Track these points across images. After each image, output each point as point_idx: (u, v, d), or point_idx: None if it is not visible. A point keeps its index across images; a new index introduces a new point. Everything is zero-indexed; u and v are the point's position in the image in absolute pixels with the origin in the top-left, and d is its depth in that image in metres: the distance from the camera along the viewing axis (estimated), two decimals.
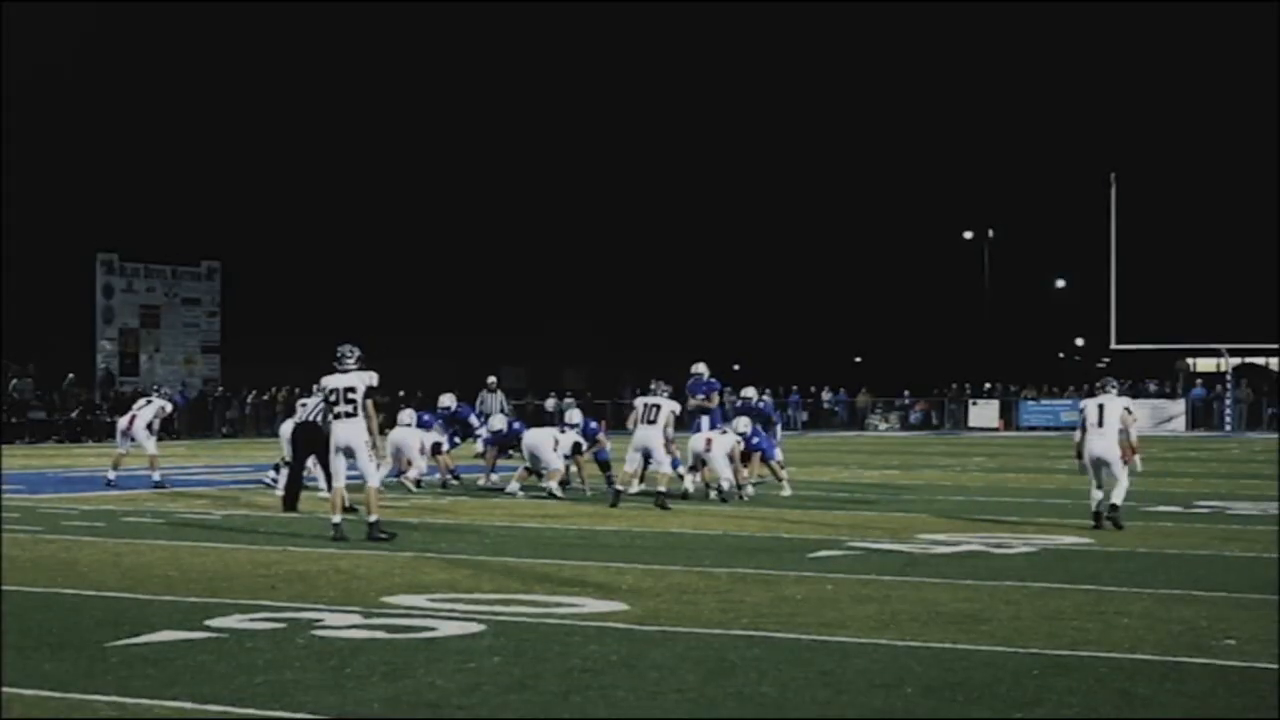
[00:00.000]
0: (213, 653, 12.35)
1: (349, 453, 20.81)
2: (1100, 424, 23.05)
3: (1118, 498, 22.57)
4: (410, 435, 30.86)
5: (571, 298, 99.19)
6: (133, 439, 32.07)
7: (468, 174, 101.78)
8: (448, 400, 34.51)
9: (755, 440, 29.37)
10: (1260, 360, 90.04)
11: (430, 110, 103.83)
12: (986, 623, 14.01)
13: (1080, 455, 23.19)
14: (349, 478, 21.88)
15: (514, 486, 29.31)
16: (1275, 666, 11.93)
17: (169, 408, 36.14)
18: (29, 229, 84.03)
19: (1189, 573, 17.70)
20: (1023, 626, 13.78)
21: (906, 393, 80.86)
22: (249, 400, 68.32)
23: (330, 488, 21.81)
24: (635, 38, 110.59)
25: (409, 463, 31.22)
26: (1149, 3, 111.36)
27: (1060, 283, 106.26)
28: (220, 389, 72.65)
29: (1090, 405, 23.67)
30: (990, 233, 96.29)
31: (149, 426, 33.29)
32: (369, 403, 20.86)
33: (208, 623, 13.69)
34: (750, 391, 33.21)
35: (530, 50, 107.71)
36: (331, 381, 21.14)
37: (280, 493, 26.46)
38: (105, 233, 76.76)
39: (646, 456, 27.68)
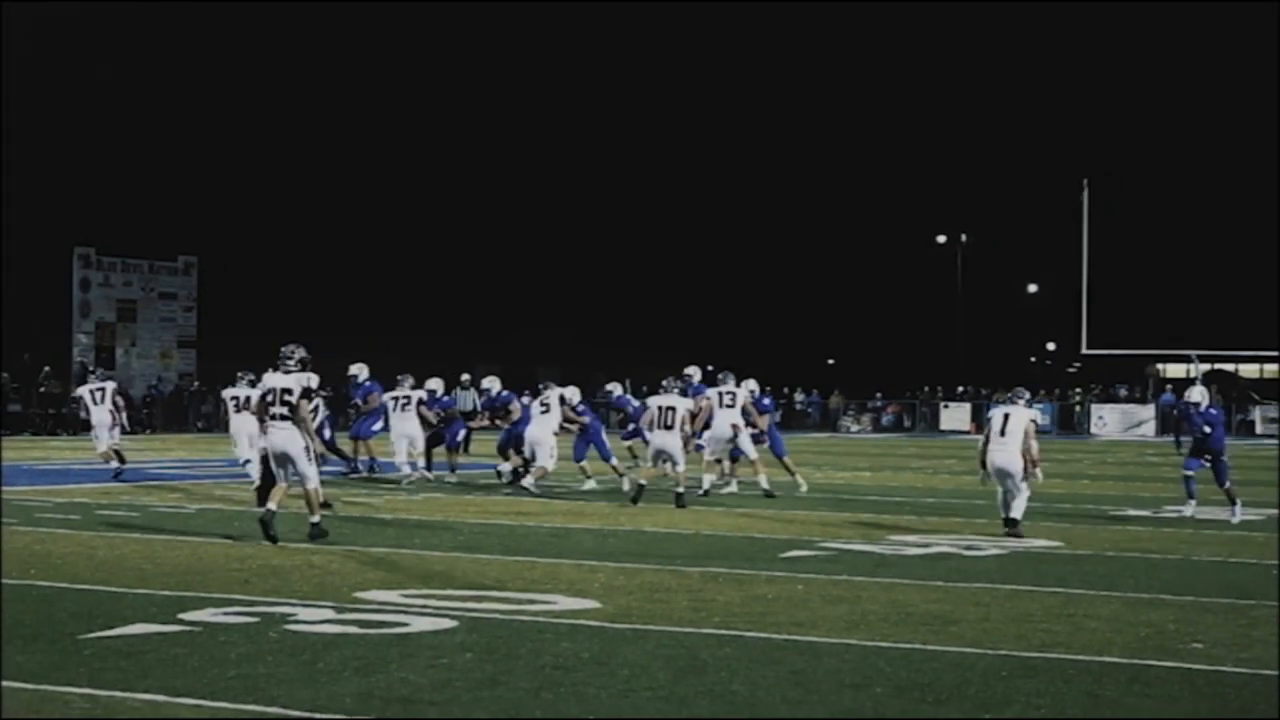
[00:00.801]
0: (186, 646, 12.34)
1: (284, 459, 20.00)
2: (1003, 434, 22.41)
3: (1017, 511, 22.21)
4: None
5: (548, 299, 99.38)
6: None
7: (444, 177, 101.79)
8: (435, 384, 34.49)
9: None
10: (1229, 366, 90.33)
11: (408, 112, 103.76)
12: (956, 624, 14.04)
13: (983, 465, 22.95)
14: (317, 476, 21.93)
15: (505, 467, 30.71)
16: (1241, 670, 11.97)
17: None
18: (5, 222, 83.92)
19: (1157, 576, 17.74)
20: (992, 628, 13.80)
21: (879, 395, 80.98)
22: (225, 395, 68.20)
23: (262, 487, 20.99)
24: (610, 48, 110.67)
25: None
26: (1119, 11, 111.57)
27: (1032, 287, 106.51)
28: (196, 384, 72.53)
29: (996, 414, 23.04)
30: (963, 237, 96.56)
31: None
32: (303, 404, 20.06)
33: (181, 616, 13.68)
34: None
35: (507, 56, 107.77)
36: (270, 381, 20.50)
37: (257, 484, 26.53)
38: (82, 227, 76.55)
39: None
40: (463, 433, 36.39)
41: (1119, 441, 67.69)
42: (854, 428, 77.14)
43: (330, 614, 14.02)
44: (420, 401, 33.62)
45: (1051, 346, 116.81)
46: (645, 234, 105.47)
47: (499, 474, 31.61)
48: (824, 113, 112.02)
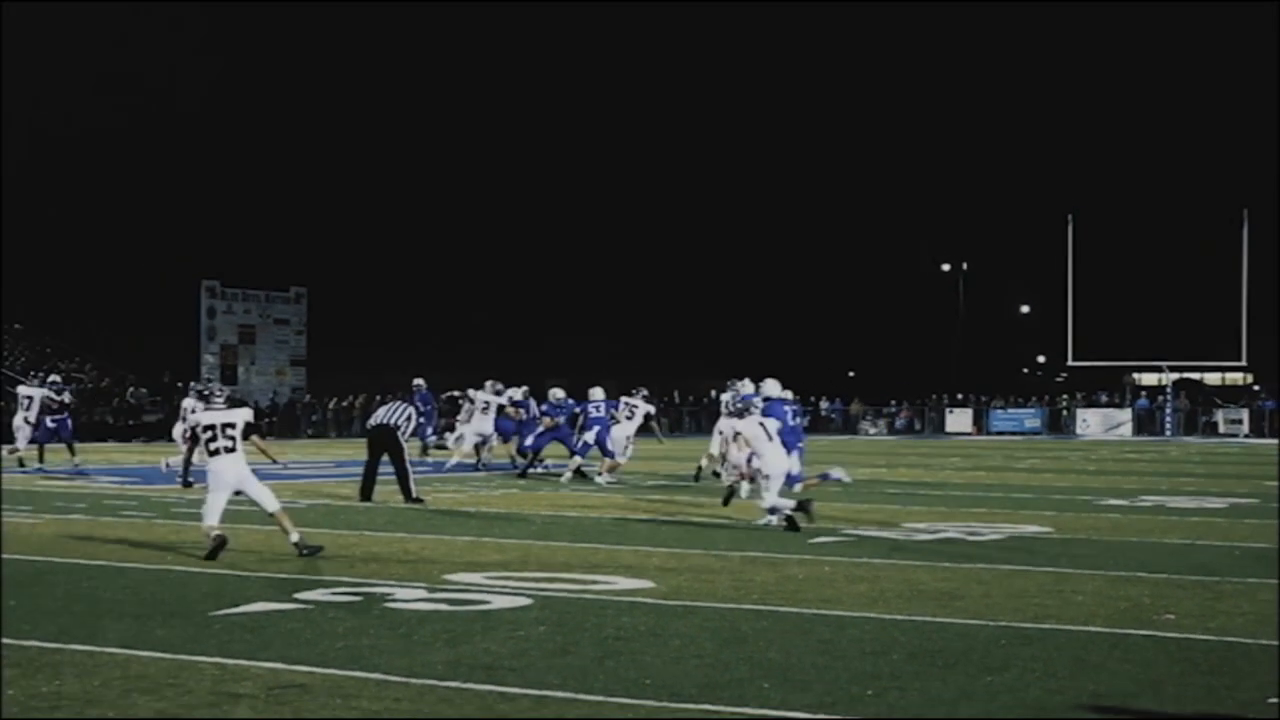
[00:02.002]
0: (300, 621, 12.38)
1: (239, 490, 17.99)
2: (770, 440, 21.99)
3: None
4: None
5: (594, 314, 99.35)
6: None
7: (512, 217, 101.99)
8: (559, 393, 34.36)
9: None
10: (1196, 375, 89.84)
11: (479, 156, 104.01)
12: (961, 599, 13.99)
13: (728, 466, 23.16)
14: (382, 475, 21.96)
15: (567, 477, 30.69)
16: (1208, 638, 11.92)
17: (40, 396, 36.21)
18: (144, 259, 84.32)
19: (1134, 557, 17.66)
20: (992, 603, 13.76)
21: (893, 401, 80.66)
22: (330, 406, 68.29)
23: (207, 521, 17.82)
24: (629, 75, 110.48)
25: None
26: (1096, 74, 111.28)
27: (1024, 308, 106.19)
28: (306, 396, 72.77)
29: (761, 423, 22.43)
30: (965, 265, 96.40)
31: (26, 420, 33.18)
32: (255, 436, 18.37)
33: (296, 596, 13.73)
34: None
35: (550, 108, 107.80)
36: (208, 418, 18.21)
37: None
38: (209, 262, 77.13)
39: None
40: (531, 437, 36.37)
41: (1101, 441, 67.35)
42: (871, 430, 76.84)
43: (423, 593, 14.05)
44: (501, 406, 33.72)
45: (1041, 359, 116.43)
46: (691, 267, 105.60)
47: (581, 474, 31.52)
48: (849, 159, 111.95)
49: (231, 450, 17.82)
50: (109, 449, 49.07)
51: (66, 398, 33.25)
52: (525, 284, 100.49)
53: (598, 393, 32.27)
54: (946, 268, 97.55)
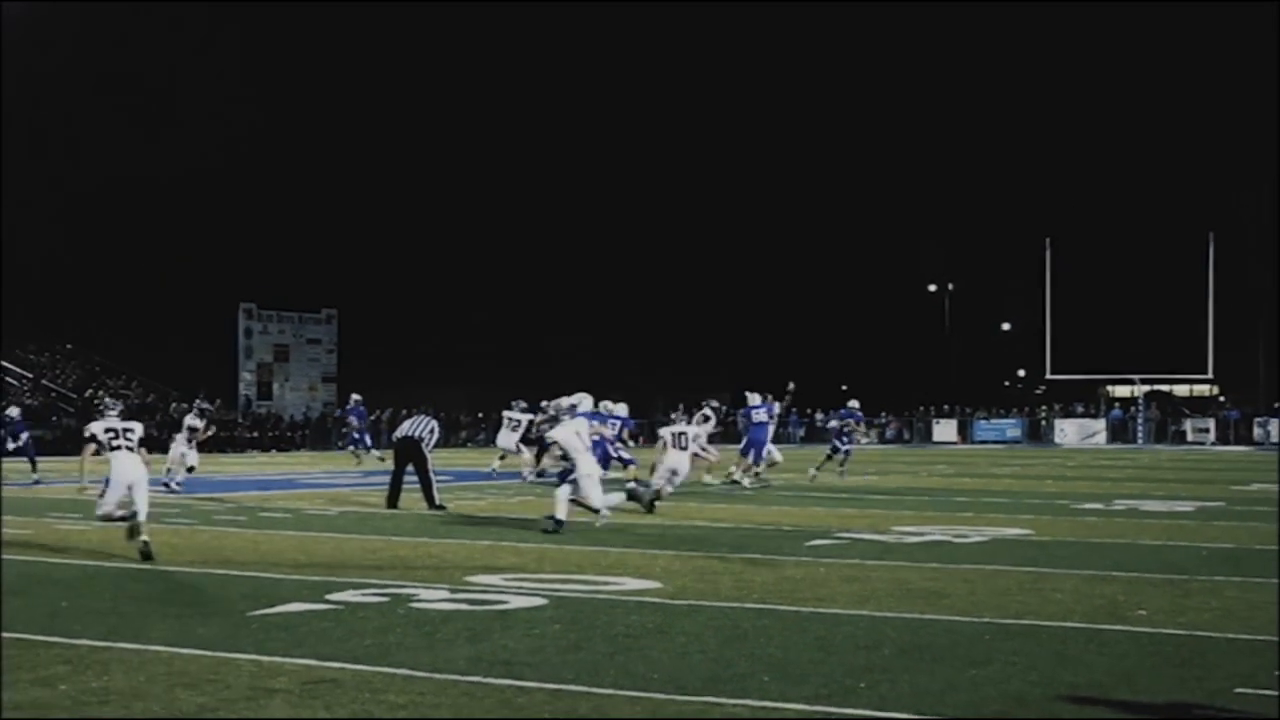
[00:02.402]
0: (331, 620, 12.39)
1: (132, 486, 18.08)
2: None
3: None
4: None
5: (608, 333, 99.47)
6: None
7: (513, 241, 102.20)
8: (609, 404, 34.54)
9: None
10: (1165, 387, 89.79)
11: (495, 189, 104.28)
12: (947, 597, 13.99)
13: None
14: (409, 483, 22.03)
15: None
16: (1178, 632, 11.91)
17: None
18: (187, 284, 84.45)
19: (1109, 557, 17.65)
20: (976, 600, 13.76)
21: (883, 413, 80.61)
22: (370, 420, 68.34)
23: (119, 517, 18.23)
24: (635, 100, 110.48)
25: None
26: (1071, 103, 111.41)
27: (1006, 325, 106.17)
28: (337, 411, 72.75)
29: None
30: (950, 286, 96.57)
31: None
32: (143, 450, 18.44)
33: (328, 596, 13.73)
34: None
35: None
36: (110, 423, 18.49)
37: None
38: (246, 286, 77.28)
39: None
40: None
41: (1077, 449, 67.34)
42: (863, 440, 76.70)
43: (446, 594, 14.05)
44: (530, 423, 33.70)
45: (1022, 372, 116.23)
46: (708, 294, 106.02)
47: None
48: (846, 193, 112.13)
49: (132, 450, 18.25)
50: (152, 459, 49.04)
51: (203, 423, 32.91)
52: (541, 304, 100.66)
53: (621, 407, 32.14)
54: (933, 288, 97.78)
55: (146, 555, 17.07)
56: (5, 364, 67.35)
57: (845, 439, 37.20)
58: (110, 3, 79.62)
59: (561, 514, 20.95)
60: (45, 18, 65.91)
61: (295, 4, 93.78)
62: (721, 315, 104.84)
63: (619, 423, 31.91)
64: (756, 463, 33.41)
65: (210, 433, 31.70)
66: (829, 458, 36.65)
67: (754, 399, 34.43)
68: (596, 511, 21.40)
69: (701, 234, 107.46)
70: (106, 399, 20.26)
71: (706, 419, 32.63)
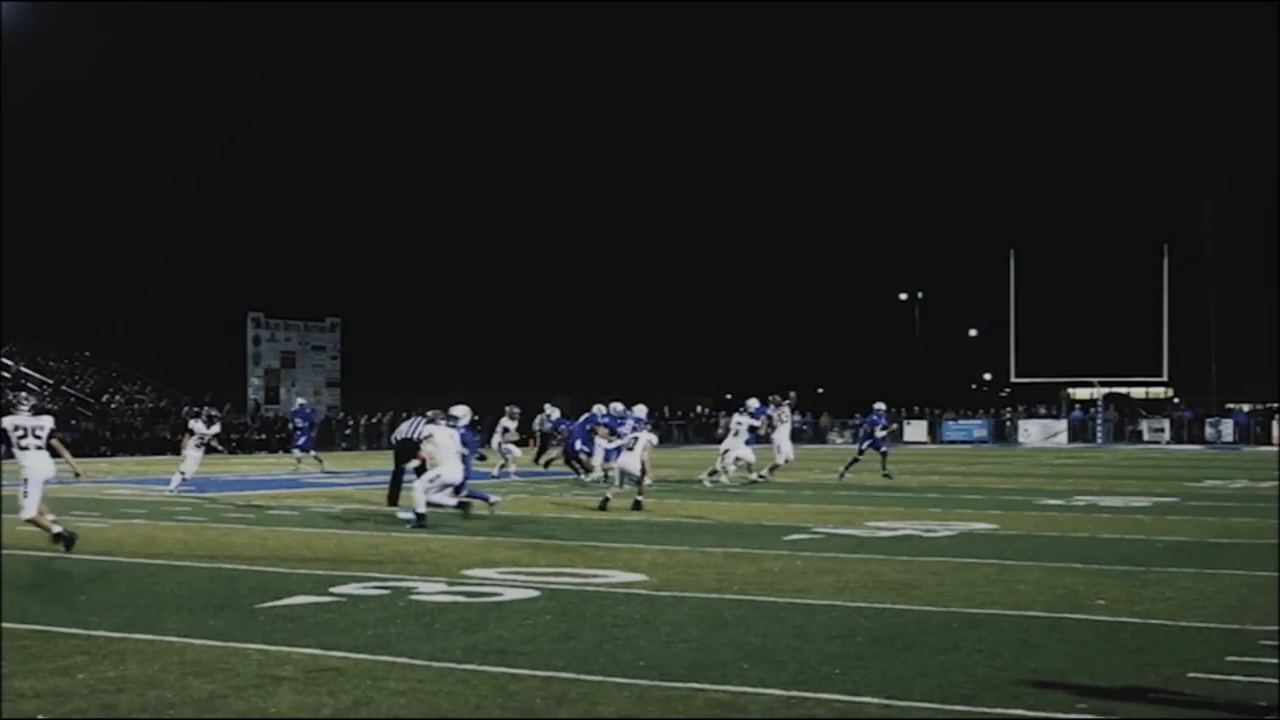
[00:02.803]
0: (335, 612, 12.39)
1: (37, 482, 17.68)
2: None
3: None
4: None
5: (598, 340, 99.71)
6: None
7: (505, 250, 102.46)
8: (619, 406, 34.58)
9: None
10: (1123, 390, 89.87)
11: (493, 199, 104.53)
12: (917, 588, 14.00)
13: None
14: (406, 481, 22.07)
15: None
16: (1134, 620, 11.93)
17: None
18: (198, 294, 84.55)
19: (1070, 550, 17.68)
20: (945, 591, 13.77)
21: (857, 415, 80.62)
22: (362, 422, 68.25)
23: (32, 512, 17.68)
24: (612, 125, 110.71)
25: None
26: (1034, 122, 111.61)
27: (973, 332, 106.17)
28: (340, 414, 72.78)
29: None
30: (920, 294, 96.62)
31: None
32: (55, 441, 17.78)
33: (332, 589, 13.72)
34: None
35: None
36: (20, 420, 17.82)
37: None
38: (254, 296, 77.47)
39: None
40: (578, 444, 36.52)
41: (1040, 448, 67.40)
42: (838, 440, 76.76)
43: (443, 587, 14.04)
44: (504, 429, 33.57)
45: (988, 376, 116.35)
46: (695, 304, 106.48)
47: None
48: (823, 210, 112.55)
49: (40, 448, 17.69)
50: (167, 461, 49.03)
51: (216, 428, 32.58)
52: (533, 313, 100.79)
53: (640, 408, 32.03)
54: (904, 297, 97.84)
55: (67, 541, 17.20)
56: (26, 370, 67.27)
57: (879, 438, 35.97)
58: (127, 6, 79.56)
59: (450, 501, 21.65)
60: (58, 32, 65.66)
61: (304, 30, 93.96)
62: (706, 323, 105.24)
63: (638, 423, 32.06)
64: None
65: (214, 431, 31.36)
66: (857, 459, 35.86)
67: (752, 404, 34.45)
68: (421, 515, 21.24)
69: (688, 249, 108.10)
70: (21, 395, 19.76)
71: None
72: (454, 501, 22.09)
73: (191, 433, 30.36)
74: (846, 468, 35.59)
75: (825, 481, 33.94)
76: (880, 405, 37.83)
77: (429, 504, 21.28)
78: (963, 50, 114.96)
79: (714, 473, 32.03)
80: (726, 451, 32.01)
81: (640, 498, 24.22)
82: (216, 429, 31.91)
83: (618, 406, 32.66)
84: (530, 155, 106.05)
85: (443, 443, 21.92)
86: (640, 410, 31.65)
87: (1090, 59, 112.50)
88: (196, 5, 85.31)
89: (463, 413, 23.61)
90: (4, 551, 16.91)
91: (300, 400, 40.01)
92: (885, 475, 34.28)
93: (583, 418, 33.69)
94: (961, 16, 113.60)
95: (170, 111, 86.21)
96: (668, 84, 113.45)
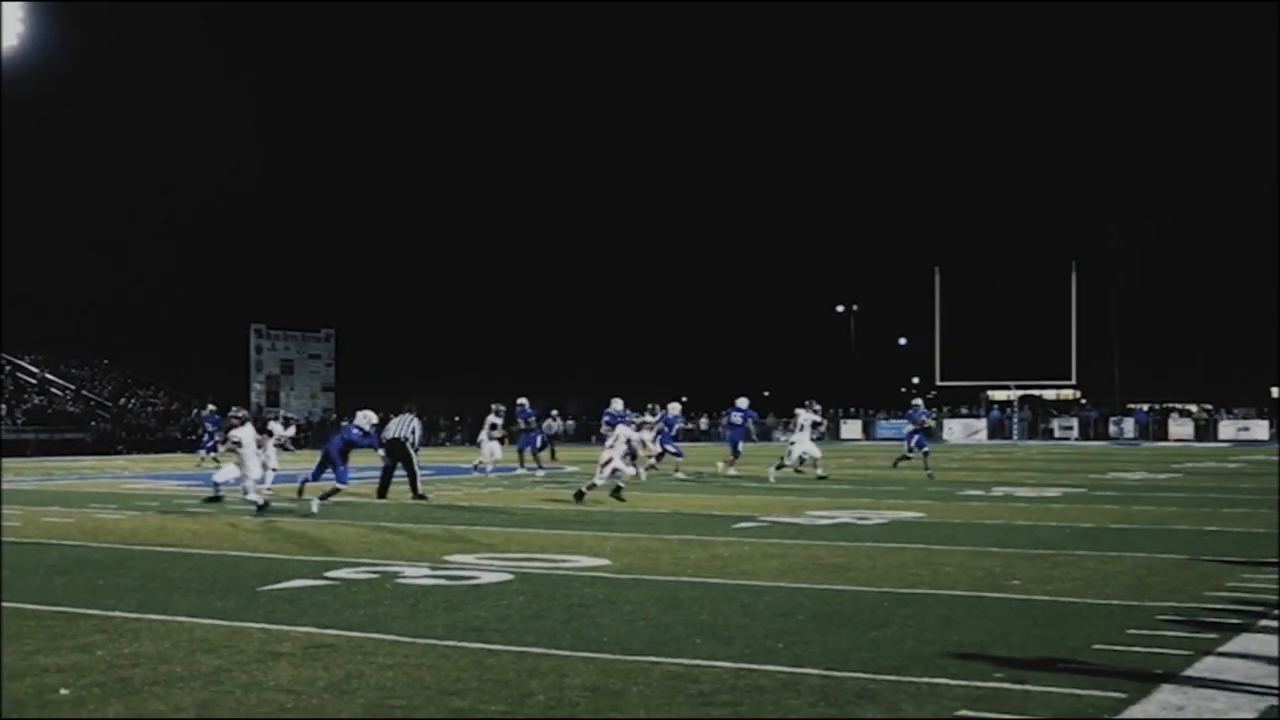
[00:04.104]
0: (330, 594, 12.35)
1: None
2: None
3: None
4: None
5: (568, 345, 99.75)
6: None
7: (485, 263, 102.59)
8: (523, 400, 34.77)
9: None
10: (1036, 392, 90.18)
11: (487, 211, 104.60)
12: (852, 570, 14.03)
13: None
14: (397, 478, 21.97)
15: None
16: (1045, 599, 11.98)
17: None
18: (206, 307, 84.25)
19: (988, 535, 17.74)
20: (877, 573, 13.80)
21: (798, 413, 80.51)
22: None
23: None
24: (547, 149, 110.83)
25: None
26: (952, 152, 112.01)
27: (902, 340, 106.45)
28: (334, 415, 72.60)
29: None
30: (855, 307, 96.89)
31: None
32: None
33: (326, 574, 13.69)
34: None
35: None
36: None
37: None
38: (256, 309, 77.33)
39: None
40: (539, 439, 36.58)
41: (962, 444, 67.64)
42: (782, 438, 76.72)
43: (427, 571, 14.02)
44: (492, 425, 33.20)
45: (916, 380, 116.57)
46: (658, 314, 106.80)
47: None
48: (768, 232, 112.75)
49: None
50: (177, 458, 48.84)
51: (292, 430, 32.26)
52: (510, 321, 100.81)
53: (617, 403, 31.86)
54: (841, 309, 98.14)
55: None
56: (50, 376, 66.91)
57: (919, 437, 34.45)
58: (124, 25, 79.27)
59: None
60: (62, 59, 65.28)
61: (298, 56, 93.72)
62: (667, 332, 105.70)
63: (674, 421, 32.19)
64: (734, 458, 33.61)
65: (289, 434, 31.15)
66: (906, 457, 34.72)
67: (742, 403, 34.59)
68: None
69: (651, 268, 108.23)
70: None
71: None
72: (260, 500, 21.86)
73: (270, 434, 30.23)
74: (895, 463, 35.19)
75: (766, 474, 33.97)
76: (918, 402, 36.82)
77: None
78: (893, 94, 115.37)
79: (781, 465, 31.45)
80: (793, 445, 31.70)
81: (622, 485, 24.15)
82: (292, 431, 31.90)
83: (617, 405, 32.78)
84: (500, 182, 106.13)
85: (246, 443, 21.94)
86: (675, 409, 31.98)
87: (1001, 100, 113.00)
88: (201, 24, 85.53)
89: (363, 418, 23.81)
90: (30, 540, 16.83)
91: (210, 406, 39.79)
92: (928, 475, 32.29)
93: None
94: (892, 57, 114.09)
95: (183, 141, 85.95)
96: (631, 103, 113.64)
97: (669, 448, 32.62)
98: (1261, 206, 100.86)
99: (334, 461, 22.72)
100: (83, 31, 68.55)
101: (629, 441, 23.79)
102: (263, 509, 21.51)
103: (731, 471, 32.74)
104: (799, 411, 32.48)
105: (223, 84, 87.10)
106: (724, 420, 36.11)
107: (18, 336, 66.81)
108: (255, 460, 21.97)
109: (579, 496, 23.81)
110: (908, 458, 34.65)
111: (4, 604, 11.65)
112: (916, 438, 34.47)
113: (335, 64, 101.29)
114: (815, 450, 31.65)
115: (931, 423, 35.09)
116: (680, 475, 31.45)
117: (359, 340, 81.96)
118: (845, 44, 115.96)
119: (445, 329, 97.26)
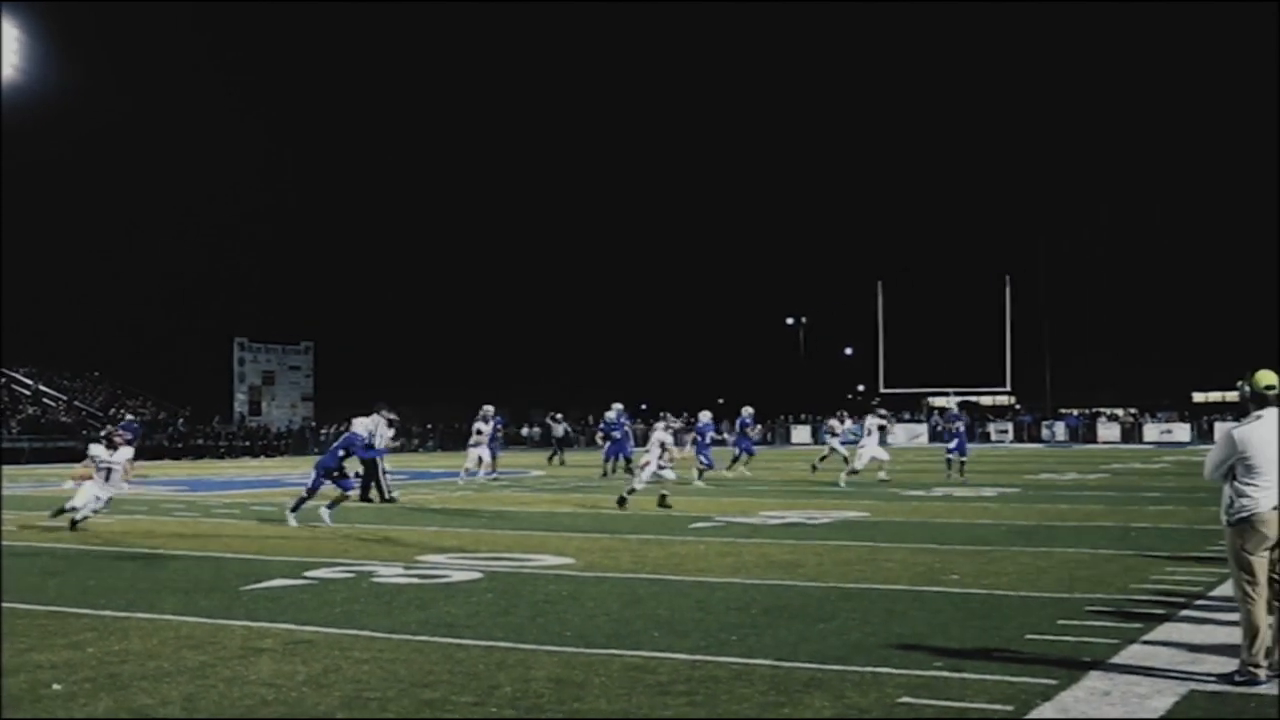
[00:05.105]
0: (308, 593, 12.32)
1: None
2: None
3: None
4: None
5: (544, 365, 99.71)
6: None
7: (465, 278, 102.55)
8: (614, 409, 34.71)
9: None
10: (974, 398, 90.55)
11: (462, 225, 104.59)
12: (802, 567, 14.07)
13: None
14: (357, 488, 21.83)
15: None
16: (981, 592, 12.04)
17: None
18: (192, 323, 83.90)
19: (929, 533, 17.81)
20: (825, 569, 13.84)
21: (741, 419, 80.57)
22: (331, 431, 67.69)
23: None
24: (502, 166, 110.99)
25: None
26: (893, 172, 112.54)
27: (848, 350, 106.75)
28: (314, 423, 72.37)
29: None
30: (804, 319, 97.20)
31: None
32: None
33: (305, 574, 13.65)
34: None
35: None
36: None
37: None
38: (239, 324, 77.07)
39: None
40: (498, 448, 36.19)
41: (905, 448, 67.78)
42: (731, 444, 76.85)
43: (400, 570, 13.99)
44: (477, 431, 32.72)
45: (861, 387, 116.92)
46: (620, 327, 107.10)
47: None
48: (723, 248, 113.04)
49: None
50: (165, 465, 48.52)
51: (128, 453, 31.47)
52: (478, 336, 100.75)
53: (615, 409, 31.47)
54: (790, 321, 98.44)
55: None
56: (43, 387, 66.48)
57: (957, 442, 33.31)
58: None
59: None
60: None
61: (281, 79, 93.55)
62: (626, 344, 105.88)
63: (706, 429, 32.17)
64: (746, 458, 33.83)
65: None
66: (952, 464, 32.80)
67: (748, 411, 34.69)
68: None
69: (612, 282, 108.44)
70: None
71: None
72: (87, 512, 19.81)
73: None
74: (959, 471, 32.44)
75: (725, 478, 34.03)
76: (953, 406, 35.58)
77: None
78: (838, 124, 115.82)
79: (854, 471, 30.76)
80: (863, 449, 31.26)
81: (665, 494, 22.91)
82: (125, 455, 31.37)
83: (616, 408, 32.79)
84: (464, 205, 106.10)
85: (113, 461, 21.08)
86: (705, 417, 32.02)
87: (939, 128, 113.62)
88: (183, 43, 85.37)
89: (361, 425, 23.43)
90: (22, 543, 16.71)
91: (130, 417, 39.56)
92: (962, 481, 30.88)
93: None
94: (836, 91, 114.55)
95: (173, 164, 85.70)
96: (587, 126, 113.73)
97: (701, 456, 32.22)
98: (1179, 223, 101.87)
99: (333, 473, 21.48)
100: (65, 49, 67.98)
101: (663, 445, 23.36)
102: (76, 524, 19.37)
103: (882, 475, 31.42)
104: (868, 417, 32.46)
105: (210, 105, 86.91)
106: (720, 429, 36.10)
107: (13, 350, 66.40)
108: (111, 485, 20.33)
109: (621, 502, 22.59)
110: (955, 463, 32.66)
111: (1, 604, 11.57)
112: (956, 442, 33.32)
113: (314, 89, 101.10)
114: (883, 454, 31.24)
115: (957, 436, 33.54)
116: (700, 483, 30.40)
117: (337, 352, 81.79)
118: (791, 75, 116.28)
119: (417, 341, 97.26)
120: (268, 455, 62.61)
